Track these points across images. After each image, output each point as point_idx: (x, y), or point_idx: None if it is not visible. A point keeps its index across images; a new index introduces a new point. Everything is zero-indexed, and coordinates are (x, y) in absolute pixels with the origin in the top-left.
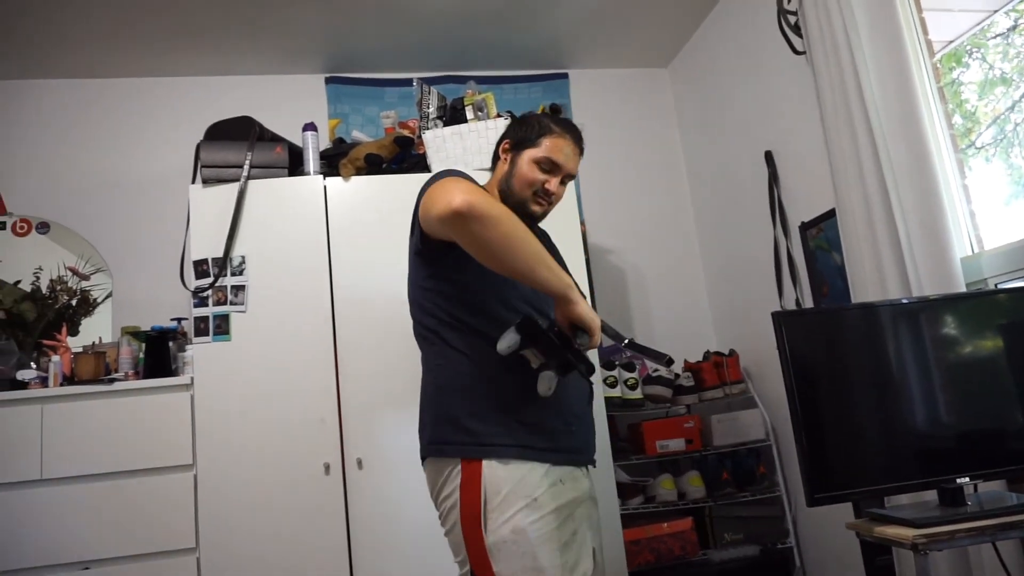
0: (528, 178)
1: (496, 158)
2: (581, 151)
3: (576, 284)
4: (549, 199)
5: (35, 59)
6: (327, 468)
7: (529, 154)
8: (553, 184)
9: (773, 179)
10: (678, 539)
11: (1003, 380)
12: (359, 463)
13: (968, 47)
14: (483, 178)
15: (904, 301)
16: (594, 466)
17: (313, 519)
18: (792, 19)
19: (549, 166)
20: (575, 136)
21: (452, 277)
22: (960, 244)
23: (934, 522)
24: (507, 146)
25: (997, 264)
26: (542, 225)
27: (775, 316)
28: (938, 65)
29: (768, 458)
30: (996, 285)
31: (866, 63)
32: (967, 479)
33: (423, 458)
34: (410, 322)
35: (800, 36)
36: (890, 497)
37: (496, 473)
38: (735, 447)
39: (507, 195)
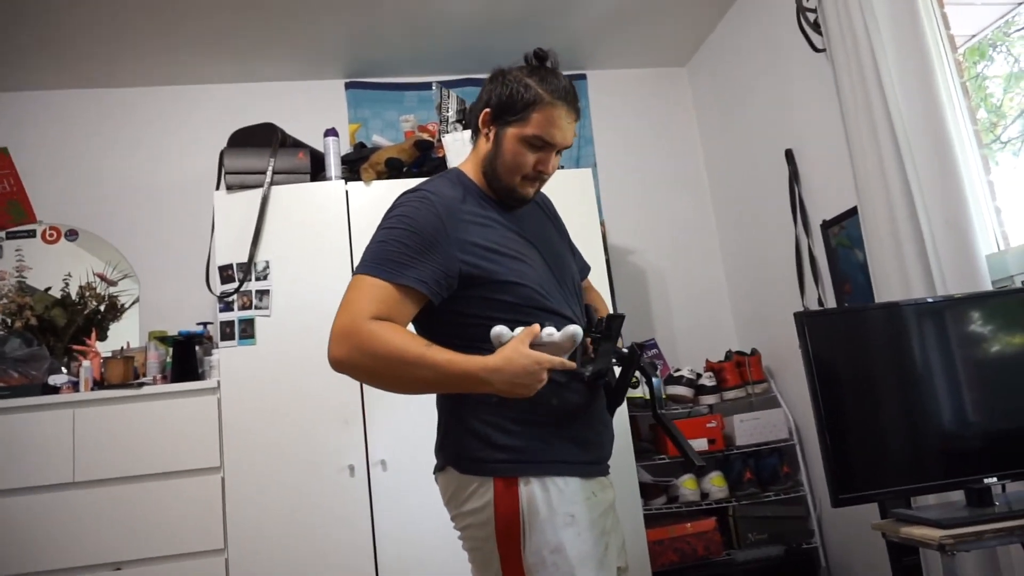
0: (517, 162)
1: (476, 130)
2: (577, 115)
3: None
4: (542, 178)
5: (60, 70)
6: (352, 470)
7: (515, 131)
8: (547, 164)
9: (794, 177)
10: (702, 539)
11: None
12: (383, 464)
13: (992, 41)
14: None
15: (929, 300)
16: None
17: (339, 520)
18: (811, 16)
19: (541, 144)
20: (570, 100)
21: (476, 294)
22: (985, 241)
23: (961, 523)
24: (487, 117)
25: None
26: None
27: (798, 316)
28: (961, 60)
29: (792, 457)
30: (1023, 282)
31: (887, 59)
32: (995, 479)
33: (440, 468)
34: None
35: (819, 33)
36: (917, 497)
37: (534, 491)
38: (758, 447)
39: (492, 179)
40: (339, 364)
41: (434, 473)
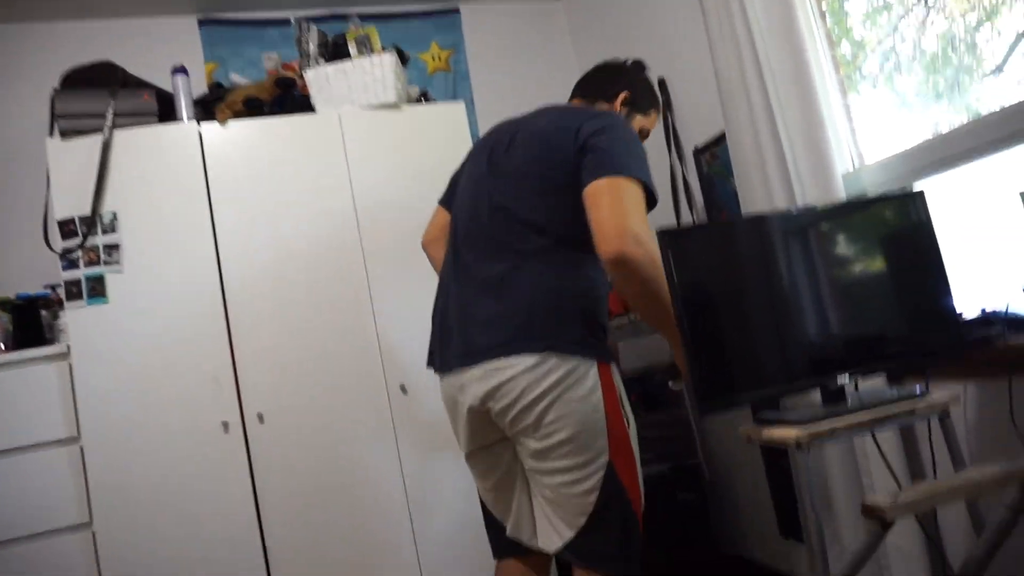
0: None
1: (604, 96)
2: None
3: None
4: None
5: None
6: (226, 427)
7: (640, 120)
8: None
9: (667, 106)
10: None
11: (884, 286)
12: (260, 417)
13: None
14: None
15: (794, 212)
16: None
17: (215, 479)
18: None
19: (646, 135)
20: None
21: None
22: (842, 160)
23: (816, 419)
24: (625, 98)
25: (876, 177)
26: None
27: (659, 233)
28: None
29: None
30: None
31: None
32: (846, 377)
33: (539, 350)
34: (301, 267)
35: None
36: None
37: (616, 374)
38: (643, 371)
39: None
40: (627, 262)
41: (508, 356)
